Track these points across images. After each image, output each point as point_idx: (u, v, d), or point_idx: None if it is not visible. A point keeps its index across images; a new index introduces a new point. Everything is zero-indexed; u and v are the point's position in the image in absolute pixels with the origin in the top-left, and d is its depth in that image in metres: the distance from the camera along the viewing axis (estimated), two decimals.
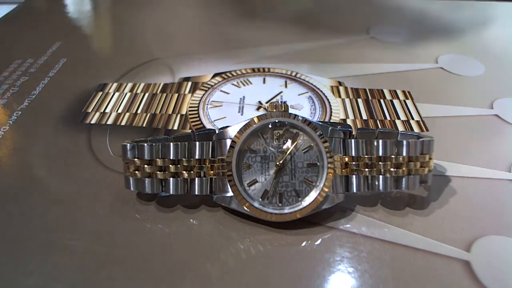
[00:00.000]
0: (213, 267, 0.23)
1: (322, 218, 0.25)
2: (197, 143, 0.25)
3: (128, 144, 0.25)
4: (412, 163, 0.25)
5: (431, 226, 0.25)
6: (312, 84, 0.39)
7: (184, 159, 0.25)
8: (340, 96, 0.38)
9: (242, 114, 0.35)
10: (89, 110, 0.36)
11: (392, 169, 0.25)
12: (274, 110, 0.25)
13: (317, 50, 0.46)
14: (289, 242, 0.24)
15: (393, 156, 0.25)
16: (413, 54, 0.45)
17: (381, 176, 0.25)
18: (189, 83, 0.39)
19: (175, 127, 0.34)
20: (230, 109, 0.36)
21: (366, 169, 0.25)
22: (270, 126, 0.25)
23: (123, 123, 0.34)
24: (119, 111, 0.36)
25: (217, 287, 0.22)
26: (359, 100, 0.37)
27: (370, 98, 0.37)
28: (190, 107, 0.36)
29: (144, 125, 0.34)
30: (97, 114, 0.35)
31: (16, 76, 0.40)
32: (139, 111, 0.35)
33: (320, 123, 0.25)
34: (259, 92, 0.38)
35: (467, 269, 0.23)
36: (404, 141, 0.25)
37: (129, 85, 0.39)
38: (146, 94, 0.38)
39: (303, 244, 0.24)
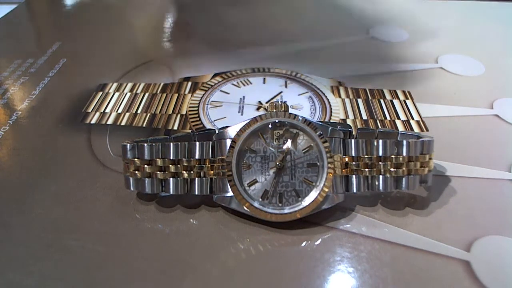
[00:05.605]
0: (213, 267, 0.23)
1: (322, 218, 0.25)
2: (197, 143, 0.25)
3: (128, 144, 0.25)
4: (412, 163, 0.25)
5: (431, 226, 0.25)
6: (312, 84, 0.39)
7: (184, 159, 0.25)
8: (340, 96, 0.38)
9: (242, 114, 0.35)
10: (89, 110, 0.36)
11: (392, 169, 0.25)
12: (274, 110, 0.25)
13: (317, 50, 0.46)
14: (289, 242, 0.24)
15: (393, 156, 0.25)
16: (413, 54, 0.45)
17: (381, 176, 0.25)
18: (189, 83, 0.39)
19: (175, 127, 0.34)
20: (230, 109, 0.36)
21: (366, 169, 0.25)
22: (270, 126, 0.25)
23: (123, 123, 0.34)
24: (119, 111, 0.36)
25: (217, 287, 0.22)
26: (359, 100, 0.37)
27: (370, 98, 0.37)
28: (190, 107, 0.36)
29: (144, 125, 0.34)
30: (97, 114, 0.35)
31: (16, 76, 0.40)
32: (139, 111, 0.36)
33: (320, 123, 0.25)
34: (259, 92, 0.38)
35: (467, 269, 0.23)
36: (404, 141, 0.25)
37: (129, 85, 0.39)
38: (146, 94, 0.38)
39: (303, 244, 0.24)
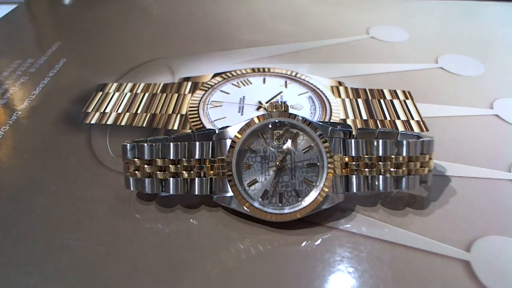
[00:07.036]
0: (213, 267, 0.23)
1: (322, 218, 0.25)
2: (197, 143, 0.25)
3: (128, 144, 0.25)
4: (412, 163, 0.25)
5: (431, 226, 0.25)
6: (312, 84, 0.39)
7: (184, 159, 0.25)
8: (340, 96, 0.38)
9: (242, 114, 0.35)
10: (89, 110, 0.36)
11: (392, 169, 0.25)
12: (274, 110, 0.25)
13: (317, 50, 0.46)
14: (289, 242, 0.24)
15: (393, 156, 0.25)
16: (413, 54, 0.45)
17: (381, 176, 0.25)
18: (189, 83, 0.39)
19: (175, 127, 0.34)
20: (230, 109, 0.36)
21: (366, 169, 0.25)
22: (270, 126, 0.25)
23: (123, 123, 0.34)
24: (119, 111, 0.36)
25: (217, 287, 0.22)
26: (359, 100, 0.37)
27: (370, 98, 0.37)
28: (190, 107, 0.36)
29: (144, 125, 0.34)
30: (97, 114, 0.35)
31: (16, 76, 0.40)
32: (139, 111, 0.36)
33: (320, 123, 0.25)
34: (259, 92, 0.38)
35: (467, 269, 0.23)
36: (404, 141, 0.25)
37: (129, 85, 0.39)
38: (146, 94, 0.38)
39: (303, 244, 0.24)
